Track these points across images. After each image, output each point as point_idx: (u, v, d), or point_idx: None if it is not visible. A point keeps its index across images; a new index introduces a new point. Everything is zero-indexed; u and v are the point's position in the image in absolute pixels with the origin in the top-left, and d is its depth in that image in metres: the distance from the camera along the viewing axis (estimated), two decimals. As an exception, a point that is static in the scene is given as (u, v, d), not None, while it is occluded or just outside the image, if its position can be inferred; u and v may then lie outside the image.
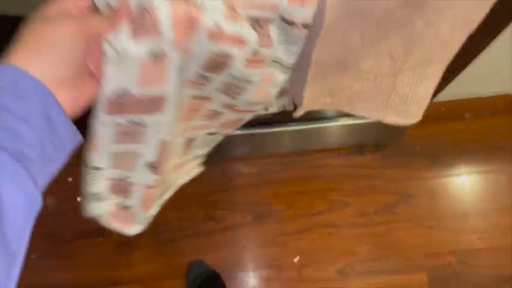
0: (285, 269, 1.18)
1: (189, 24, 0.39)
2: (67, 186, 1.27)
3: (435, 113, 1.33)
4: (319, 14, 0.45)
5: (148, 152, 0.50)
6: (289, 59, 0.52)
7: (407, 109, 0.65)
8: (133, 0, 0.37)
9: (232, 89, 0.51)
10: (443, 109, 1.34)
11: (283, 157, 1.30)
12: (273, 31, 0.47)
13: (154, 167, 0.52)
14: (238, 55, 0.45)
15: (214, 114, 0.58)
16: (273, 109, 0.81)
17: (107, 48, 0.38)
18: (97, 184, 0.53)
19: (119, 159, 0.50)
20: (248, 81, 0.50)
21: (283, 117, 1.02)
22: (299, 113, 0.74)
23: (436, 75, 0.59)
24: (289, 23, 0.46)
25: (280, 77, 0.53)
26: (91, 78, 0.39)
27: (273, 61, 0.50)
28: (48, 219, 1.24)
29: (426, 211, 1.23)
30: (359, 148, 1.30)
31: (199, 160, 0.71)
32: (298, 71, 0.60)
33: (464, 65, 0.77)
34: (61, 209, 1.25)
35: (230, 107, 0.55)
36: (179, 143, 0.59)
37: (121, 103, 0.42)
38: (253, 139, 1.14)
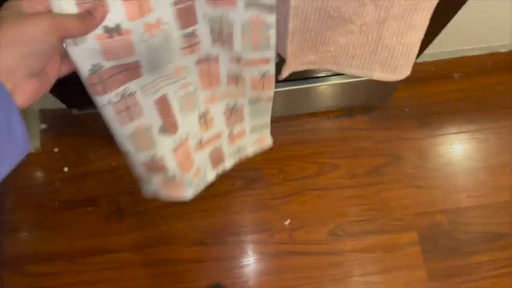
0: (277, 233, 1.19)
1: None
2: (53, 157, 1.26)
3: (424, 74, 1.32)
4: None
5: (153, 118, 0.56)
6: None
7: (394, 63, 0.64)
8: None
9: (221, 35, 0.53)
10: (432, 69, 1.32)
11: (273, 123, 1.28)
12: None
13: (165, 129, 0.58)
14: None
15: (234, 76, 0.60)
16: (249, 152, 0.80)
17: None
18: (137, 167, 0.61)
19: (138, 141, 0.57)
20: (228, 24, 0.51)
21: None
22: (284, 73, 0.72)
23: (423, 23, 0.57)
24: None
25: (269, 18, 0.52)
26: (51, 70, 0.42)
27: (250, 4, 0.50)
28: (36, 190, 1.22)
29: (416, 171, 1.23)
30: (348, 111, 1.29)
31: (264, 132, 0.75)
32: (280, 21, 0.58)
33: (449, 16, 0.75)
34: (49, 179, 1.24)
35: (239, 60, 0.56)
36: (218, 109, 0.64)
37: (102, 79, 0.47)
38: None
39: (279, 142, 1.27)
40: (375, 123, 1.28)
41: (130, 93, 0.51)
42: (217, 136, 0.68)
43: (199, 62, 0.55)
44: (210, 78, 0.59)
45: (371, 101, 1.24)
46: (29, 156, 1.28)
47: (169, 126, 0.58)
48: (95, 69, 0.45)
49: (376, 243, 1.17)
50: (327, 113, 1.29)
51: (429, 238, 1.17)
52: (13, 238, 1.19)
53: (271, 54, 0.58)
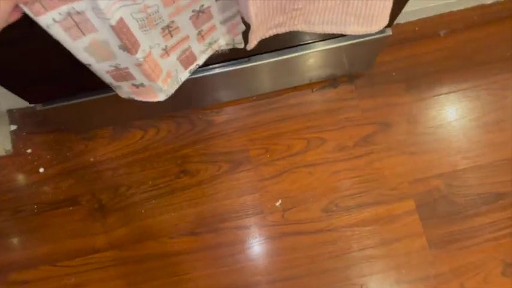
0: (269, 215, 1.14)
1: None
2: (27, 158, 1.20)
3: (408, 34, 1.26)
4: None
5: (110, 37, 0.54)
6: None
7: (370, 12, 0.57)
8: None
9: None
10: (416, 28, 1.26)
11: (254, 101, 1.23)
12: None
13: (125, 48, 0.56)
14: None
15: None
16: (222, 43, 0.74)
17: None
18: (103, 77, 0.64)
19: (96, 52, 0.57)
20: None
21: (251, 52, 0.94)
22: (252, 41, 0.66)
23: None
24: None
25: None
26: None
27: None
28: (12, 195, 1.16)
29: (407, 137, 1.17)
30: (332, 81, 1.23)
31: (236, 19, 0.71)
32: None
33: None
34: (25, 182, 1.18)
35: None
36: (183, 18, 0.62)
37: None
38: (222, 82, 1.06)
39: (263, 121, 1.21)
40: (361, 92, 1.22)
41: (77, 12, 0.50)
42: (184, 39, 0.67)
43: None
44: None
45: (355, 67, 1.18)
46: (2, 160, 1.21)
47: (129, 46, 0.56)
48: None
49: (372, 216, 1.12)
50: (310, 86, 1.23)
51: (426, 205, 1.12)
52: (-4, 248, 1.14)
53: None
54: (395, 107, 1.20)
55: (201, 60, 0.75)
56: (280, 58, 0.99)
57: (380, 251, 1.09)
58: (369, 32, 0.61)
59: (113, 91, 0.78)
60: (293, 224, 1.13)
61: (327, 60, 1.08)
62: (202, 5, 0.61)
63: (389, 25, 0.92)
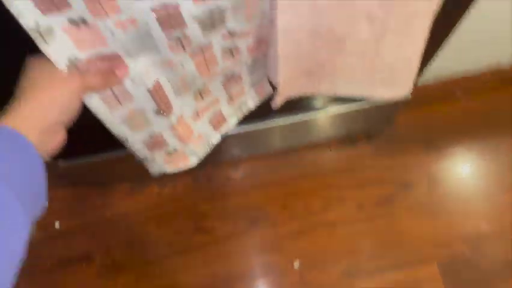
0: (286, 275, 1.10)
1: None
2: (43, 212, 1.19)
3: (427, 95, 1.27)
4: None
5: (146, 103, 0.55)
6: None
7: (396, 78, 0.58)
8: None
9: (213, 23, 0.50)
10: (434, 90, 1.27)
11: (272, 157, 1.23)
12: None
13: (160, 111, 0.57)
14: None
15: (229, 50, 0.57)
16: (251, 105, 0.76)
17: (31, 32, 0.41)
18: (138, 152, 0.64)
19: (132, 123, 0.57)
20: (220, 10, 0.48)
21: (269, 111, 0.95)
22: (278, 101, 0.67)
23: (423, 32, 0.52)
24: None
25: None
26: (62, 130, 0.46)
27: None
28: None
29: (428, 198, 1.15)
30: (351, 139, 1.23)
31: (263, 80, 0.71)
32: (270, 45, 0.53)
33: (450, 26, 0.70)
34: (40, 237, 1.16)
35: (233, 35, 0.54)
36: (215, 82, 0.63)
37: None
38: (240, 139, 1.07)
39: (281, 178, 1.20)
40: (379, 151, 1.21)
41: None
42: (215, 101, 0.68)
43: (192, 55, 0.53)
44: (206, 64, 0.57)
45: (373, 127, 1.18)
46: (19, 213, 1.21)
47: (163, 108, 0.57)
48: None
49: (394, 280, 1.07)
50: (328, 144, 1.23)
51: (450, 270, 1.08)
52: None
53: (258, 21, 0.55)
54: (415, 167, 1.19)
55: (231, 123, 0.76)
56: (299, 120, 0.99)
57: (403, 318, 1.04)
58: (394, 97, 0.61)
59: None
60: (312, 286, 1.09)
61: (345, 121, 1.09)
62: (233, 71, 0.63)
63: (409, 88, 0.93)
